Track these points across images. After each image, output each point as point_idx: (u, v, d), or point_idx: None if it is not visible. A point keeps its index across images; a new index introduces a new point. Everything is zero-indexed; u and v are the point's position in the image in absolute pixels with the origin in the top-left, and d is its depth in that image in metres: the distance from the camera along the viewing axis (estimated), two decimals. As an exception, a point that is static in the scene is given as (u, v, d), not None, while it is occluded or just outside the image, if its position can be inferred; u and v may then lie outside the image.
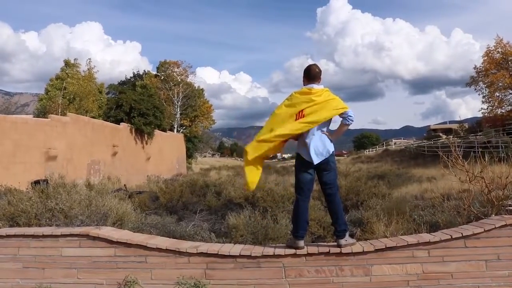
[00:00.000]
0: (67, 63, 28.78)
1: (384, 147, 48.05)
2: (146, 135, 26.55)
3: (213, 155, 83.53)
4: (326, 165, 3.67)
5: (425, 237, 3.63)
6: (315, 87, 3.68)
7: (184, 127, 38.62)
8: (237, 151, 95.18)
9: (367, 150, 50.21)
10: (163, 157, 29.32)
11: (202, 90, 40.95)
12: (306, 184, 3.70)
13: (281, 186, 8.32)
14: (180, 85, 37.84)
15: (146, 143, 26.77)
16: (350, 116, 3.64)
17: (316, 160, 3.63)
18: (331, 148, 3.69)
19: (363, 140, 67.35)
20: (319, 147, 3.66)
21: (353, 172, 15.87)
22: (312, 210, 6.18)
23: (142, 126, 25.56)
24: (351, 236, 4.16)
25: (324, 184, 3.71)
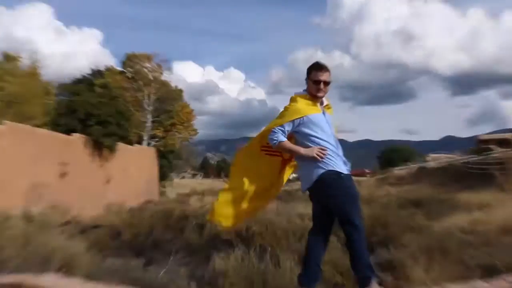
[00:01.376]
0: (6, 56, 28.69)
1: (420, 164, 48.13)
2: (106, 150, 26.49)
3: (194, 175, 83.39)
4: (317, 191, 3.93)
5: (479, 285, 3.60)
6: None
7: (156, 139, 38.38)
8: (225, 170, 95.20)
9: (396, 169, 50.07)
10: (128, 178, 29.24)
11: (181, 91, 40.91)
12: (316, 215, 4.00)
13: (284, 217, 8.36)
14: (152, 84, 37.73)
15: (106, 160, 26.81)
16: (270, 136, 4.04)
17: (303, 186, 4.04)
18: (311, 171, 3.92)
19: (391, 155, 67.14)
20: (300, 170, 4.11)
21: (379, 198, 16.00)
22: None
23: (101, 138, 25.40)
24: (379, 284, 4.03)
25: (334, 215, 3.91)
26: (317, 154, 3.83)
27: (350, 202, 3.79)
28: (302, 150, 3.91)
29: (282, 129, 3.99)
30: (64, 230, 7.45)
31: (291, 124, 3.98)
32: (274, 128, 3.97)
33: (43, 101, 27.27)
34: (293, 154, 4.05)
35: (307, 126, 3.97)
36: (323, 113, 4.08)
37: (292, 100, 4.10)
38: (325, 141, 3.93)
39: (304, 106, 4.02)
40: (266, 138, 4.09)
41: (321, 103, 4.13)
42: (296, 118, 3.97)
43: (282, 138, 3.97)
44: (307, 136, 3.96)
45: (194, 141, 50.65)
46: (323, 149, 3.87)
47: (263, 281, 4.94)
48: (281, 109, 4.14)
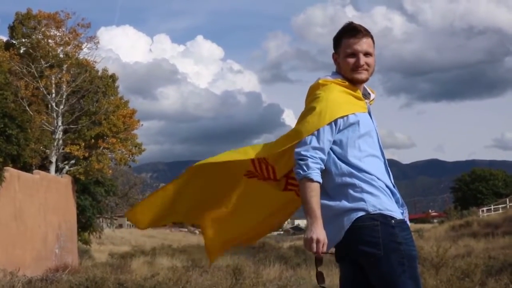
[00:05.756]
0: None
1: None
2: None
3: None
4: (350, 246, 2.83)
5: None
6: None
7: (73, 161, 30.80)
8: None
9: (483, 209, 42.28)
10: (24, 228, 24.30)
11: (113, 77, 33.08)
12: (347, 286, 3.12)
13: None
14: (64, 66, 29.99)
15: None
16: (298, 161, 2.77)
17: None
18: (337, 213, 2.81)
19: (473, 185, 55.83)
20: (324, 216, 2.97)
21: (454, 259, 14.69)
22: None
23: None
24: None
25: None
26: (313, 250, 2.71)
27: (404, 274, 2.75)
28: (317, 223, 2.69)
29: (321, 146, 2.75)
30: None
31: (333, 128, 2.77)
32: (305, 147, 2.73)
33: None
34: (306, 214, 2.82)
35: (352, 132, 2.81)
36: (370, 113, 2.94)
37: (320, 87, 2.91)
38: (377, 158, 2.83)
39: (344, 98, 2.84)
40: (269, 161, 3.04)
41: (366, 96, 2.97)
42: (340, 117, 2.78)
43: (316, 176, 2.72)
44: (352, 151, 2.83)
45: (139, 164, 41.22)
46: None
47: None
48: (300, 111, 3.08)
